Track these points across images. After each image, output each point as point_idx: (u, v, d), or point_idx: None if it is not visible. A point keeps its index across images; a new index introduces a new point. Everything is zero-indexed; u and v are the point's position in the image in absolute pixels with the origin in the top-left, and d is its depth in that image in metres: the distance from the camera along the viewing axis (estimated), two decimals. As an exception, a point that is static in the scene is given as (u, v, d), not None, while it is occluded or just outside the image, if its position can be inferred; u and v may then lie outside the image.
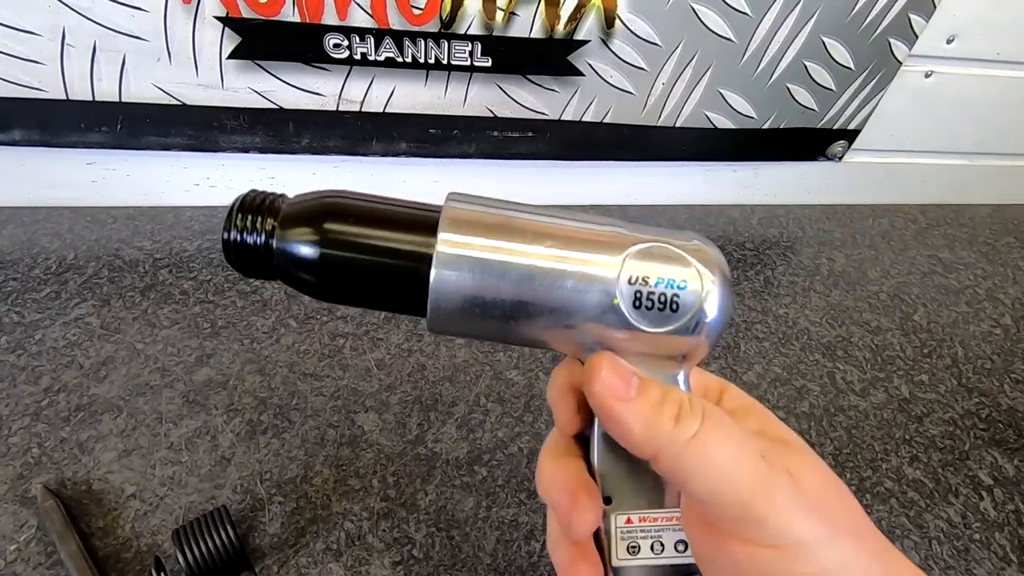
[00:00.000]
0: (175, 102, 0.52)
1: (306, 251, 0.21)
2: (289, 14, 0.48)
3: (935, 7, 0.57)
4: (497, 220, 0.21)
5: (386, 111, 0.55)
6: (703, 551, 0.21)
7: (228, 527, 0.34)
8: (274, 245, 0.21)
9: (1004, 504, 0.45)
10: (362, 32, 0.50)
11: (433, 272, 0.20)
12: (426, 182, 0.63)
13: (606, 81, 0.56)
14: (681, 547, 0.22)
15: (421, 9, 0.49)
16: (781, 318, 0.59)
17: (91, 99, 0.50)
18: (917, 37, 0.59)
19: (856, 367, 0.55)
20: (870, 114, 0.65)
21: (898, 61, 0.61)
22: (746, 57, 0.57)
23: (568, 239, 0.21)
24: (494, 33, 0.51)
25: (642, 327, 0.21)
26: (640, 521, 0.22)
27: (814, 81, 0.60)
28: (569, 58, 0.54)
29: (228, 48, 0.49)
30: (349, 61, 0.51)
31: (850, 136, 0.67)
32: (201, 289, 0.53)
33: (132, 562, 0.36)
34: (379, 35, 0.50)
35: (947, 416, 0.51)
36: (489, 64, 0.53)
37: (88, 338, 0.47)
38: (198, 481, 0.40)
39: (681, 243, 0.22)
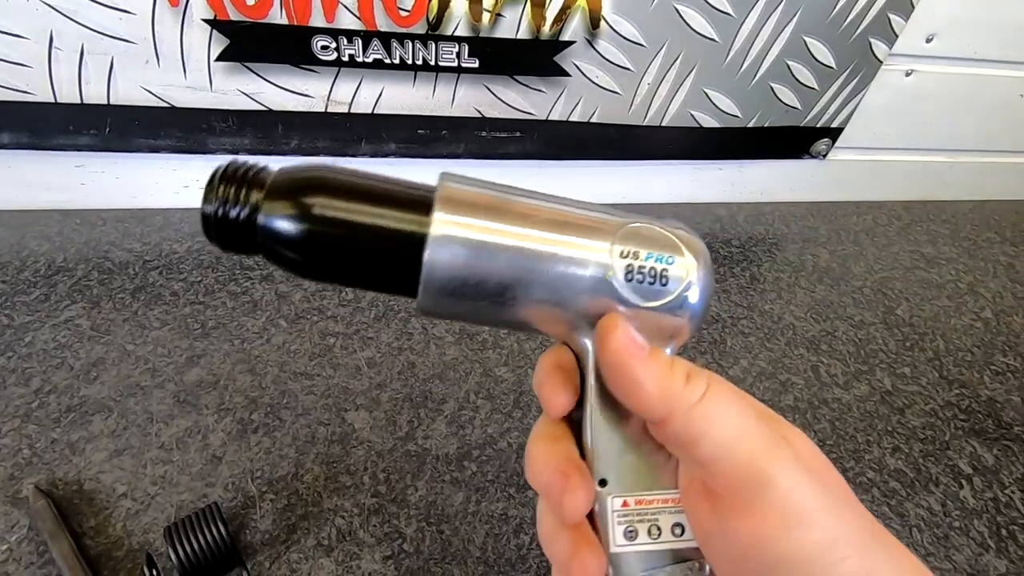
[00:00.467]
0: (164, 104, 0.52)
1: (295, 226, 0.20)
2: (277, 16, 0.48)
3: (913, 7, 0.58)
4: (492, 200, 0.21)
5: (375, 112, 0.56)
6: (705, 528, 0.21)
7: (220, 524, 0.34)
8: (259, 220, 0.20)
9: (983, 492, 0.46)
10: (350, 34, 0.50)
11: (427, 251, 0.20)
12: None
13: (592, 81, 0.57)
14: (678, 530, 0.22)
15: (408, 11, 0.50)
16: (767, 313, 0.59)
17: (79, 102, 0.50)
18: (897, 36, 0.60)
19: (840, 361, 0.56)
20: (852, 112, 0.66)
21: (879, 60, 0.62)
22: (730, 57, 0.58)
23: (562, 218, 0.21)
24: (481, 34, 0.52)
25: (634, 301, 0.21)
26: (636, 504, 0.22)
27: (797, 80, 0.61)
28: (555, 59, 0.55)
29: (216, 50, 0.49)
30: (337, 63, 0.52)
31: (833, 134, 0.68)
32: (191, 290, 0.53)
33: (124, 560, 0.36)
34: (367, 37, 0.50)
35: (928, 407, 0.52)
36: (476, 65, 0.54)
37: (78, 340, 0.48)
38: (189, 480, 0.40)
39: (667, 226, 0.23)
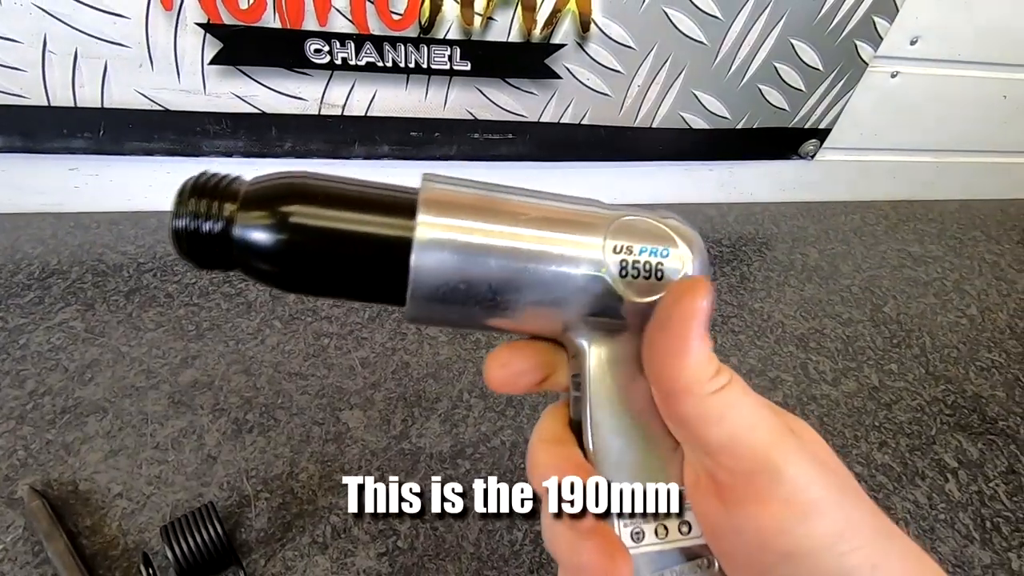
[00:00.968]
0: (157, 108, 0.52)
1: (272, 238, 0.19)
2: (270, 20, 0.49)
3: (898, 10, 0.59)
4: (478, 200, 0.20)
5: (368, 115, 0.56)
6: (712, 522, 0.21)
7: (215, 523, 0.35)
8: (234, 233, 0.19)
9: (968, 485, 0.47)
10: (342, 37, 0.51)
11: (413, 257, 0.19)
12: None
13: (583, 84, 0.58)
14: (685, 528, 0.22)
15: (400, 14, 0.50)
16: (756, 312, 0.60)
17: (73, 105, 0.51)
18: (882, 39, 0.61)
19: (828, 358, 0.56)
20: (840, 113, 0.67)
21: (864, 62, 0.63)
22: (718, 59, 0.59)
23: (551, 215, 0.21)
24: (473, 38, 0.53)
25: (629, 297, 0.21)
26: None
27: (784, 82, 0.62)
28: (546, 61, 0.56)
29: (210, 54, 0.50)
30: (330, 66, 0.52)
31: (821, 135, 0.69)
32: (185, 292, 0.53)
33: (119, 559, 0.36)
34: (359, 40, 0.51)
35: (915, 403, 0.53)
36: (468, 68, 0.55)
37: (73, 342, 0.48)
38: (184, 479, 0.40)
39: (659, 217, 0.22)
